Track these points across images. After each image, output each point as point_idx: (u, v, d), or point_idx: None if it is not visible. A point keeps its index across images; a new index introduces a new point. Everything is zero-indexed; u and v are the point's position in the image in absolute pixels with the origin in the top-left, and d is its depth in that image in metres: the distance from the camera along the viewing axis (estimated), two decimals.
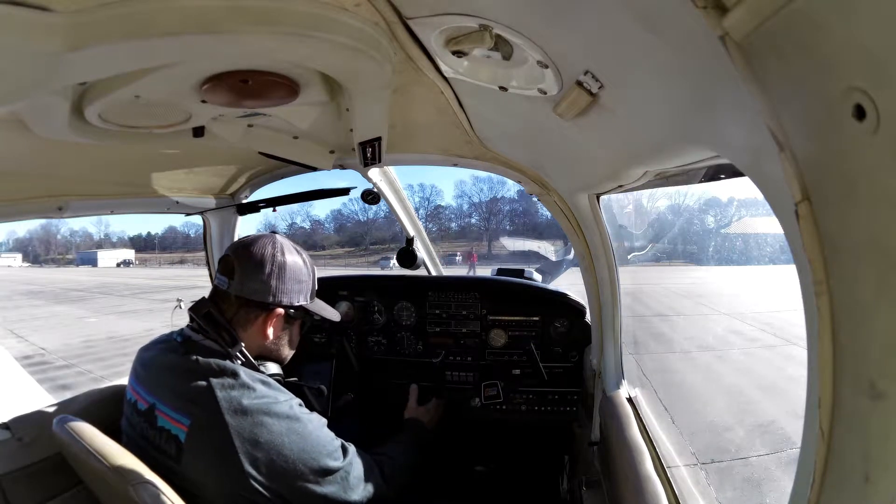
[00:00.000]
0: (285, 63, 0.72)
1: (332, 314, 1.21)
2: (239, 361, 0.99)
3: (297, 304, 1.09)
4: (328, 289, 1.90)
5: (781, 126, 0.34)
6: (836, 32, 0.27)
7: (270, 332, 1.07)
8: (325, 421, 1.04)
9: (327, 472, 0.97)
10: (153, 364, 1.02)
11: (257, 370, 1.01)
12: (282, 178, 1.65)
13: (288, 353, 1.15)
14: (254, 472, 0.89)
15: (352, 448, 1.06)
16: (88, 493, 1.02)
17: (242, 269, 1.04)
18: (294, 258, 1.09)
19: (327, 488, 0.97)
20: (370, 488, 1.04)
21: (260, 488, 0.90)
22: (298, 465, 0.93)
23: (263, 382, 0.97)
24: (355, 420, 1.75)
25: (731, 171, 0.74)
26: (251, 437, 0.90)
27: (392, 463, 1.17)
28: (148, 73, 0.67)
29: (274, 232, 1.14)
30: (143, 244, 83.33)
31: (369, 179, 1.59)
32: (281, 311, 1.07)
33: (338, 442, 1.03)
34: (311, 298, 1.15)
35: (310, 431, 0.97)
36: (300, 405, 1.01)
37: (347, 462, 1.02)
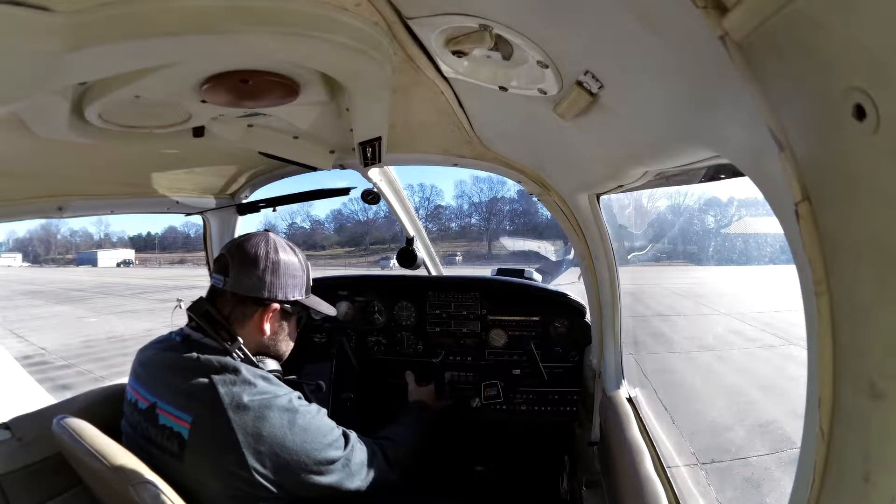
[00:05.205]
0: (285, 63, 0.72)
1: (328, 309, 1.22)
2: (238, 358, 1.00)
3: (292, 298, 1.10)
4: (328, 289, 1.90)
5: (781, 126, 0.34)
6: (836, 32, 0.27)
7: (267, 327, 1.07)
8: (325, 410, 1.05)
9: (330, 462, 0.99)
10: (153, 363, 1.03)
11: (256, 367, 1.02)
12: (282, 178, 1.65)
13: (286, 348, 1.15)
14: (258, 467, 0.90)
15: (353, 435, 1.08)
16: (88, 493, 1.02)
17: (237, 267, 1.05)
18: (287, 254, 1.10)
19: (330, 477, 0.98)
20: (373, 472, 1.06)
21: (264, 482, 0.91)
22: (302, 456, 0.94)
23: (264, 378, 0.98)
24: (355, 420, 1.75)
25: (731, 171, 0.74)
26: (254, 432, 0.91)
27: (395, 445, 1.18)
28: (148, 73, 0.68)
29: (267, 230, 1.15)
30: (143, 244, 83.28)
31: (369, 179, 1.59)
32: (276, 306, 1.08)
33: (339, 431, 1.05)
34: (307, 294, 1.15)
35: (309, 422, 0.98)
36: (299, 398, 1.02)
37: (349, 449, 1.03)
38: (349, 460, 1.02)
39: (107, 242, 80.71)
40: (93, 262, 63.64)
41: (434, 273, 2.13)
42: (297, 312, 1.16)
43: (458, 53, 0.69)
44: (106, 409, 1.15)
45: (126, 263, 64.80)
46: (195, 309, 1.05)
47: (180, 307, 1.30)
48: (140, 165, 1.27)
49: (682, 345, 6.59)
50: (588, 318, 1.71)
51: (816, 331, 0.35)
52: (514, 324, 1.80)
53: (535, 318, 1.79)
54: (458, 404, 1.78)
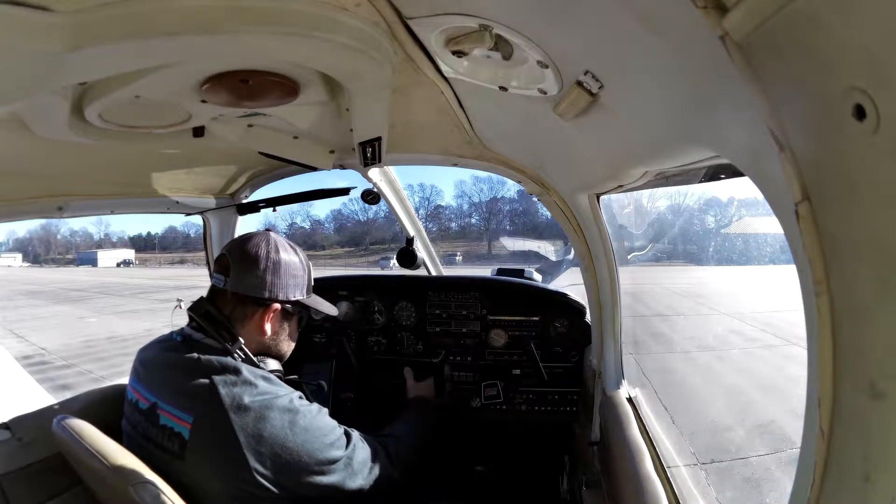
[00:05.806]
0: (285, 63, 0.72)
1: (329, 308, 1.22)
2: (239, 358, 1.00)
3: (293, 298, 1.10)
4: (328, 289, 1.90)
5: (781, 126, 0.34)
6: (836, 32, 0.27)
7: (268, 327, 1.07)
8: (326, 410, 1.05)
9: (331, 462, 0.98)
10: (154, 363, 1.03)
11: (257, 367, 1.02)
12: (282, 178, 1.66)
13: (287, 348, 1.15)
14: (259, 468, 0.90)
15: (355, 433, 1.08)
16: (88, 493, 1.02)
17: (238, 266, 1.05)
18: (288, 254, 1.10)
19: (332, 477, 0.98)
20: (375, 470, 1.06)
21: (265, 482, 0.91)
22: (303, 456, 0.94)
23: (265, 378, 0.98)
24: (355, 420, 1.75)
25: (731, 171, 0.74)
26: (255, 433, 0.91)
27: (397, 442, 1.19)
28: (148, 73, 0.68)
29: (268, 229, 1.15)
30: (143, 244, 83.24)
31: (369, 179, 1.59)
32: (277, 306, 1.08)
33: (340, 430, 1.05)
34: (308, 294, 1.15)
35: (310, 422, 0.98)
36: (300, 397, 1.01)
37: (351, 448, 1.03)
38: (351, 459, 1.02)
39: (107, 242, 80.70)
40: (93, 262, 63.62)
41: (434, 273, 2.13)
42: (298, 312, 1.15)
43: (458, 53, 0.69)
44: (106, 409, 1.15)
45: (126, 263, 64.79)
46: (196, 309, 1.05)
47: (180, 307, 1.30)
48: (140, 165, 1.27)
49: (681, 345, 6.59)
50: (588, 318, 1.71)
51: (816, 331, 0.35)
52: (514, 324, 1.80)
53: (535, 318, 1.79)
54: (458, 404, 1.78)
